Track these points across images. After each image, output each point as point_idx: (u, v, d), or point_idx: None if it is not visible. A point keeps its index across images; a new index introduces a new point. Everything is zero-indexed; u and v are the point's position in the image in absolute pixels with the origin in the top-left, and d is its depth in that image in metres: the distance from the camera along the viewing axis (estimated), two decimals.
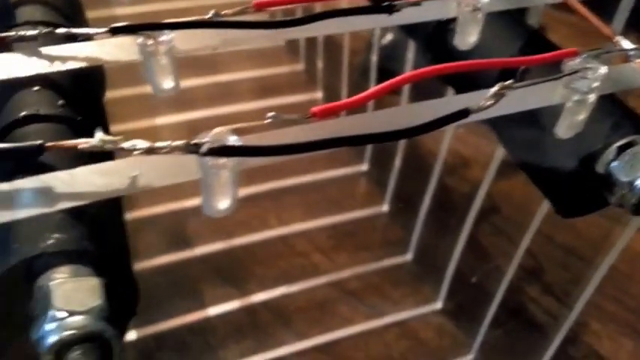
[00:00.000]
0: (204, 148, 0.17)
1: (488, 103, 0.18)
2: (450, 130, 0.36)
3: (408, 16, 0.23)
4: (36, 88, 0.22)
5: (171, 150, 0.17)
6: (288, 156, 0.17)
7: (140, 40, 0.21)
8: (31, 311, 0.17)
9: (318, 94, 0.57)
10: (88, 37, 0.21)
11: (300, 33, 0.22)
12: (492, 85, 0.19)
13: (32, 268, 0.18)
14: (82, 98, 0.23)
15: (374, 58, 0.41)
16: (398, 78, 0.18)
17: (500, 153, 0.32)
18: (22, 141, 0.18)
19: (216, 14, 0.21)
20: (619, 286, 0.41)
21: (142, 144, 0.17)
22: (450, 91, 0.32)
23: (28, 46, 0.22)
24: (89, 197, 0.17)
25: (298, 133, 0.18)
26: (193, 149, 0.17)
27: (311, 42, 0.58)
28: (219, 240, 0.44)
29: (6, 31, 0.22)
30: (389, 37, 0.50)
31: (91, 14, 0.28)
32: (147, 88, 0.22)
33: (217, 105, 0.53)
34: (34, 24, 0.25)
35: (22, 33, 0.21)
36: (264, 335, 0.40)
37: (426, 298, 0.42)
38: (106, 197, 0.17)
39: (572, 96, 0.20)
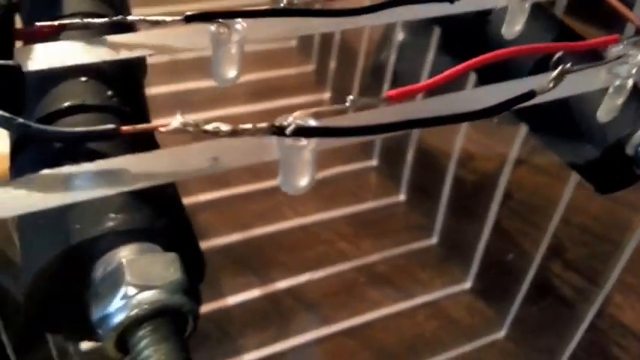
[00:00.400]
0: (289, 130, 0.18)
1: (550, 85, 0.20)
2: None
3: (467, 4, 0.24)
4: (84, 78, 0.22)
5: (255, 132, 0.18)
6: (366, 137, 0.18)
7: (213, 28, 0.21)
8: (94, 290, 0.17)
9: (326, 95, 0.57)
10: (156, 24, 0.21)
11: (371, 20, 0.22)
12: (522, 75, 0.21)
13: (94, 249, 0.17)
14: (129, 89, 0.24)
15: (388, 56, 0.42)
16: (470, 62, 0.19)
17: (517, 146, 0.33)
18: None
19: (289, 3, 0.22)
20: (636, 259, 0.42)
21: (224, 126, 0.18)
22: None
23: (87, 34, 0.22)
24: (164, 178, 0.17)
25: (371, 116, 0.19)
26: (277, 131, 0.18)
27: (325, 42, 0.57)
28: (236, 232, 0.44)
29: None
30: (400, 38, 0.51)
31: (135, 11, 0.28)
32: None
33: (224, 106, 0.52)
34: (84, 15, 0.25)
35: (86, 20, 0.21)
36: (286, 322, 0.40)
37: (454, 279, 0.42)
38: (178, 179, 0.18)
39: (615, 81, 0.21)
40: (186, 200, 0.45)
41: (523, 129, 0.32)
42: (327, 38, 0.57)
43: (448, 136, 0.42)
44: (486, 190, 0.37)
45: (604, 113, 0.22)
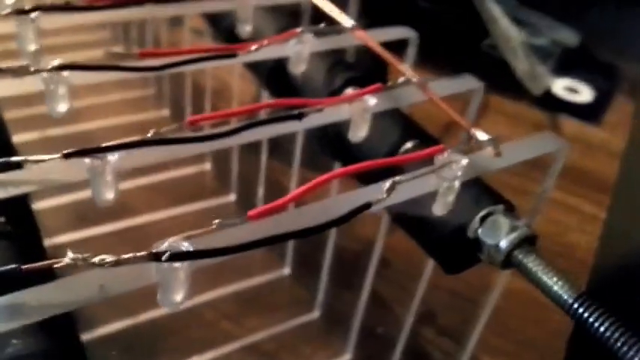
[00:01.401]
0: (165, 257, 0.20)
1: (384, 196, 0.23)
2: None
3: (314, 120, 0.27)
4: None
5: (135, 260, 0.20)
6: (234, 254, 0.21)
7: (89, 161, 0.23)
8: None
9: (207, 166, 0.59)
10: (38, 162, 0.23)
11: (228, 142, 0.25)
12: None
13: None
14: (18, 211, 0.26)
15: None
16: (319, 180, 0.23)
17: (385, 219, 0.36)
18: None
19: (156, 133, 0.24)
20: (500, 320, 0.46)
21: (109, 258, 0.20)
22: None
23: None
24: (59, 309, 0.19)
25: (238, 233, 0.22)
26: (154, 258, 0.20)
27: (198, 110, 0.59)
28: (121, 319, 0.44)
29: None
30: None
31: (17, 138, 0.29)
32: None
33: (121, 218, 0.53)
34: None
35: None
36: None
37: (335, 352, 0.45)
38: (73, 309, 0.20)
39: (443, 183, 0.25)
40: None
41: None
42: (199, 105, 0.59)
43: None
44: (366, 258, 0.39)
45: (439, 209, 0.26)
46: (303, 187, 0.23)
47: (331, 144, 0.34)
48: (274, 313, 0.47)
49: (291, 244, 0.50)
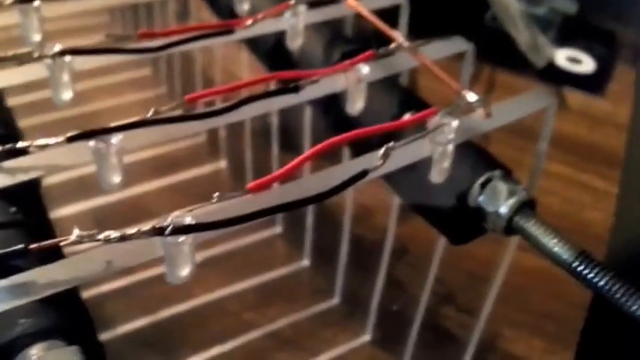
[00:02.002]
0: (168, 230, 0.21)
1: (379, 162, 0.23)
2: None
3: (310, 92, 0.27)
4: None
5: (140, 235, 0.20)
6: (235, 226, 0.21)
7: (93, 144, 0.24)
8: None
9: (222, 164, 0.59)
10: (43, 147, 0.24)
11: (227, 119, 0.26)
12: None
13: (10, 350, 0.20)
14: (30, 202, 0.26)
15: (274, 119, 0.45)
16: (314, 149, 0.23)
17: (397, 201, 0.37)
18: None
19: (155, 112, 0.25)
20: (522, 297, 0.47)
21: (114, 234, 0.20)
22: None
23: None
24: (67, 284, 0.20)
25: (239, 206, 0.22)
26: (159, 232, 0.21)
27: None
28: (143, 316, 0.45)
29: None
30: None
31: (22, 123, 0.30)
32: None
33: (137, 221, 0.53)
34: None
35: None
36: None
37: (355, 333, 0.45)
38: (82, 283, 0.21)
39: (437, 149, 0.25)
40: (91, 291, 0.44)
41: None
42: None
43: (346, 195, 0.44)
44: (383, 246, 0.39)
45: (436, 175, 0.26)
46: (299, 158, 0.23)
47: (334, 120, 0.34)
48: (295, 302, 0.47)
49: (308, 236, 0.50)
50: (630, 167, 0.35)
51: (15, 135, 0.28)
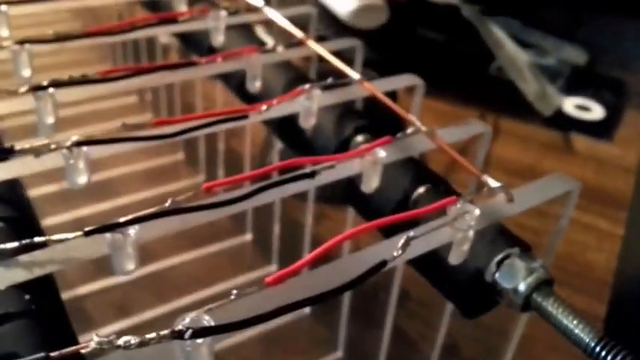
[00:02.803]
0: (187, 334, 0.20)
1: (400, 252, 0.23)
2: None
3: (327, 176, 0.27)
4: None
5: (159, 340, 0.20)
6: (255, 326, 0.21)
7: (109, 236, 0.24)
8: None
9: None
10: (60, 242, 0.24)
11: (244, 206, 0.25)
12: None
13: None
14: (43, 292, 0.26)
15: (271, 161, 0.44)
16: (332, 241, 0.23)
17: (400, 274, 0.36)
18: None
19: (174, 202, 0.24)
20: (525, 349, 0.45)
21: (133, 339, 0.20)
22: None
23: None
24: None
25: (257, 302, 0.22)
26: (178, 335, 0.20)
27: (211, 155, 0.61)
28: None
29: None
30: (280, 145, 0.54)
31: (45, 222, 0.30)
32: None
33: (142, 263, 0.53)
34: None
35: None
36: None
37: None
38: None
39: (457, 234, 0.25)
40: None
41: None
42: (211, 152, 0.59)
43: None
44: (386, 290, 0.38)
45: (454, 258, 0.26)
46: (317, 250, 0.23)
47: (345, 191, 0.33)
48: (297, 354, 0.47)
49: None
50: (637, 209, 0.34)
51: (34, 228, 0.28)
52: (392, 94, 0.36)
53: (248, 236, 0.57)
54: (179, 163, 0.66)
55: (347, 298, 0.43)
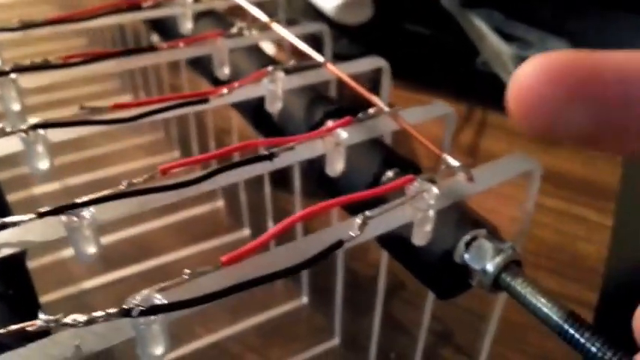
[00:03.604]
0: (135, 312, 0.20)
1: (357, 232, 0.23)
2: None
3: (286, 159, 0.26)
4: None
5: (108, 318, 0.20)
6: (206, 304, 0.20)
7: (64, 218, 0.23)
8: None
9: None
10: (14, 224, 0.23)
11: (200, 189, 0.25)
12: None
13: None
14: (11, 274, 0.25)
15: None
16: (286, 222, 0.22)
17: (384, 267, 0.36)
18: None
19: (130, 184, 0.24)
20: (518, 336, 0.45)
21: (81, 317, 0.19)
22: None
23: None
24: None
25: (211, 281, 0.21)
26: (126, 313, 0.20)
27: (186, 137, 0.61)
28: None
29: None
30: None
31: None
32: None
33: (142, 259, 0.54)
34: None
35: None
36: None
37: None
38: None
39: (417, 214, 0.24)
40: None
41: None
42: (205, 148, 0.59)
43: None
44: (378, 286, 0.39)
45: (418, 239, 0.25)
46: (271, 231, 0.22)
47: (316, 176, 0.33)
48: (296, 342, 0.47)
49: (305, 273, 0.49)
50: (625, 200, 0.34)
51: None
52: (374, 84, 0.36)
53: (246, 231, 0.57)
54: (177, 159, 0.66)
55: (341, 287, 0.43)
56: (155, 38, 0.59)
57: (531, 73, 0.16)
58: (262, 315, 0.49)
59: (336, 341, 0.47)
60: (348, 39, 0.81)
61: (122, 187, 0.24)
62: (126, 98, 0.72)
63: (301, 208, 0.45)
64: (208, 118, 0.56)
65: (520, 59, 0.77)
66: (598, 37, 0.79)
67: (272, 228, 0.22)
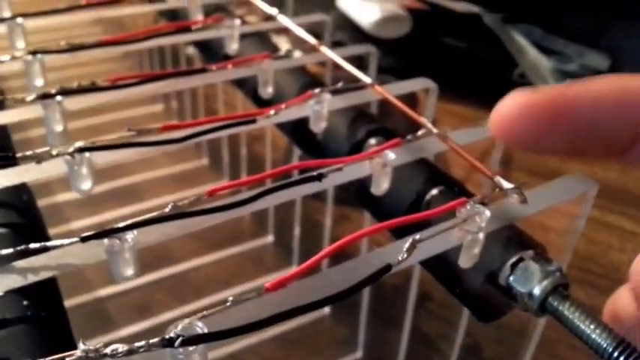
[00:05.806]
0: (177, 342, 0.18)
1: (405, 256, 0.21)
2: None
3: (334, 179, 0.25)
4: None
5: (149, 348, 0.18)
6: (250, 333, 0.19)
7: (107, 241, 0.22)
8: None
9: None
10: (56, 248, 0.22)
11: (249, 209, 0.24)
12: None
13: None
14: (44, 298, 0.24)
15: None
16: (335, 245, 0.20)
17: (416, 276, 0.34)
18: None
19: (175, 207, 0.23)
20: (549, 351, 0.42)
21: (121, 347, 0.18)
22: None
23: None
24: None
25: (254, 308, 0.20)
26: (167, 344, 0.18)
27: (234, 160, 0.60)
28: None
29: None
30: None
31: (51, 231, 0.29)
32: None
33: (160, 267, 0.52)
34: None
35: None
36: None
37: None
38: None
39: (467, 237, 0.22)
40: None
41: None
42: (236, 154, 0.58)
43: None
44: (405, 294, 0.37)
45: (464, 262, 0.23)
46: (318, 255, 0.21)
47: (358, 192, 0.31)
48: (317, 354, 0.45)
49: None
50: None
51: (38, 233, 0.26)
52: (412, 101, 0.34)
53: (269, 238, 0.55)
54: (203, 168, 0.65)
55: (366, 298, 0.41)
56: (190, 50, 0.58)
57: (510, 106, 0.18)
58: (283, 325, 0.46)
59: (358, 354, 0.44)
60: (383, 51, 0.80)
61: (168, 209, 0.23)
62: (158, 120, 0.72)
63: (333, 215, 0.43)
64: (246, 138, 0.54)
65: (559, 72, 0.75)
66: (636, 50, 0.76)
67: (320, 253, 0.21)
